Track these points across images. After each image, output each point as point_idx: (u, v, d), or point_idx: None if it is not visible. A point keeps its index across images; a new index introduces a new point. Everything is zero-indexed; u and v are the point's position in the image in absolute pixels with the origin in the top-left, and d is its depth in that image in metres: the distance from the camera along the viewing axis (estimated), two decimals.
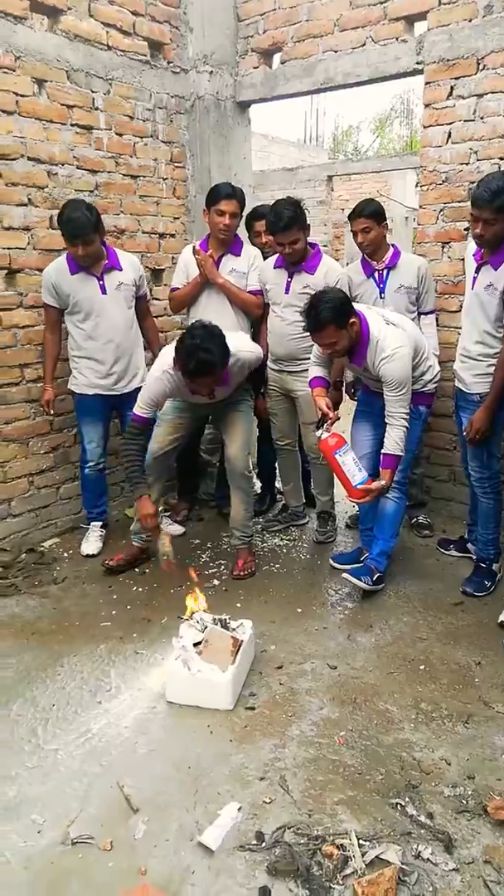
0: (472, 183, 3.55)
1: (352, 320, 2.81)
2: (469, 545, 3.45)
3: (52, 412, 3.48)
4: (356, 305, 2.97)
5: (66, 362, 3.51)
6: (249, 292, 3.52)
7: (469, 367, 3.05)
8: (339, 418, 3.11)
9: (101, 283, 3.32)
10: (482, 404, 2.97)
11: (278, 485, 4.20)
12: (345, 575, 3.13)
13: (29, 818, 1.92)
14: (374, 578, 3.12)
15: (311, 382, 3.17)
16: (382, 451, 2.94)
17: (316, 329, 2.80)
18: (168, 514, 4.09)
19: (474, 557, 3.33)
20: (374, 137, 21.52)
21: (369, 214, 3.41)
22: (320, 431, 3.00)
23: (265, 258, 3.65)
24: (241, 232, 3.67)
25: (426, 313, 3.55)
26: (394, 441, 2.90)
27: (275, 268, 3.47)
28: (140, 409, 3.06)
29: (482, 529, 3.20)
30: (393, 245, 3.56)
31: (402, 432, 2.88)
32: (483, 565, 3.22)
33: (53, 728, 2.29)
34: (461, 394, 3.16)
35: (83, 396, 3.46)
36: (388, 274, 3.48)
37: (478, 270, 2.95)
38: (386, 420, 2.92)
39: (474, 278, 2.98)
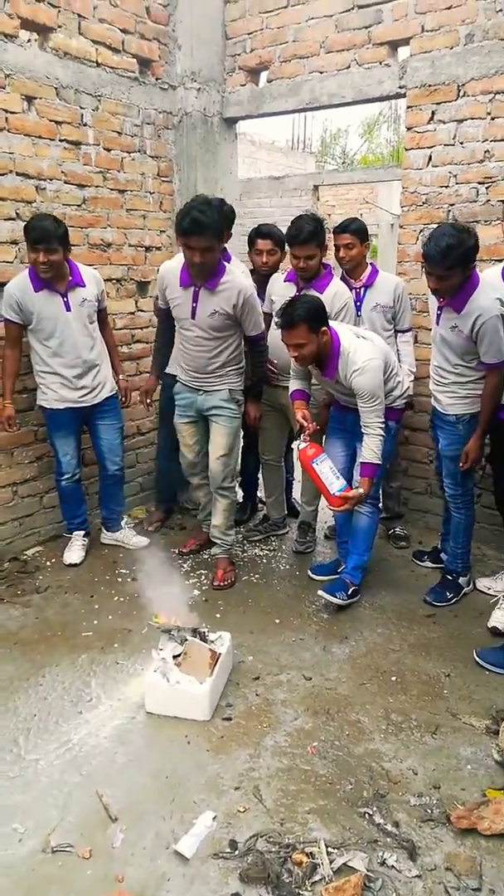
0: (452, 206, 3.67)
1: (324, 328, 2.88)
2: (442, 555, 3.54)
3: (12, 429, 3.44)
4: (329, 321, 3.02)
5: (30, 377, 3.51)
6: (256, 337, 3.35)
7: (443, 391, 3.14)
8: (318, 429, 3.19)
9: (65, 300, 3.32)
10: (472, 434, 3.04)
11: (260, 494, 4.28)
12: (320, 592, 3.21)
13: (10, 826, 1.99)
14: (350, 592, 3.21)
15: (291, 395, 3.26)
16: (360, 459, 3.04)
17: (289, 325, 2.85)
18: (140, 522, 4.16)
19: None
20: (363, 142, 21.68)
21: (354, 231, 3.51)
22: (298, 441, 3.09)
23: (262, 278, 3.70)
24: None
25: (403, 331, 3.66)
26: (371, 450, 2.98)
27: (285, 281, 3.50)
28: (158, 302, 3.39)
29: (453, 543, 3.30)
30: (371, 264, 3.67)
31: (379, 440, 2.97)
32: (450, 577, 3.32)
33: (35, 738, 2.35)
34: (437, 413, 3.25)
35: (54, 411, 3.48)
36: (364, 292, 3.58)
37: (440, 309, 3.00)
38: (362, 430, 3.00)
39: (438, 315, 3.04)
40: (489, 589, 3.37)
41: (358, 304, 3.56)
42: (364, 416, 2.98)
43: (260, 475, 4.13)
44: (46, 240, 3.11)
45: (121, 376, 3.76)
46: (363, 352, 2.93)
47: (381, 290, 3.56)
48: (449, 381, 3.11)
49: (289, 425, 3.73)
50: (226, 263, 3.21)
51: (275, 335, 3.49)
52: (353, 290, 3.58)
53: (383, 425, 2.99)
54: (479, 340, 2.88)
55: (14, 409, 3.43)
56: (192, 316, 3.18)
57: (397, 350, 3.62)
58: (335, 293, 3.36)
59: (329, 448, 3.34)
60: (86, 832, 1.97)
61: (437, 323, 3.07)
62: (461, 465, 3.10)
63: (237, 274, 3.20)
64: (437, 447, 3.36)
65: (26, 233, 3.15)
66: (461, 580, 3.31)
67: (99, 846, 1.93)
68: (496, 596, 3.23)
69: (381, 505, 3.36)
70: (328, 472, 3.04)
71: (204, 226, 2.89)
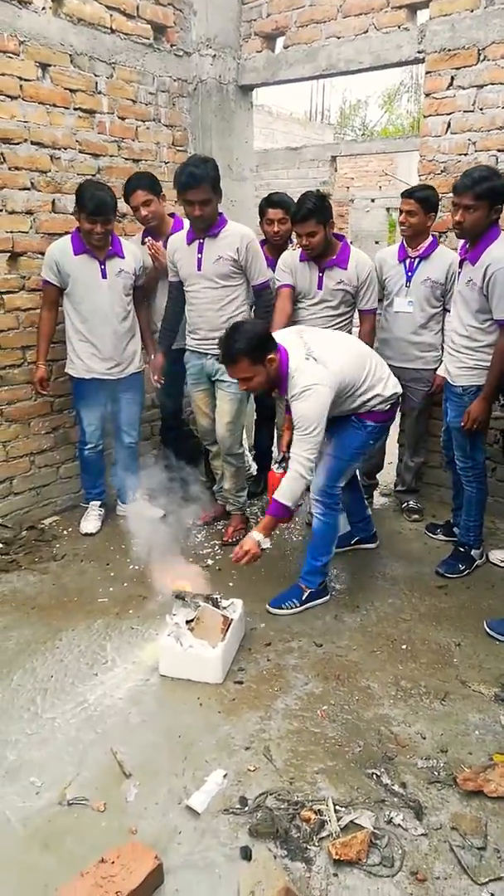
0: None
1: (270, 356, 2.65)
2: (455, 529, 3.54)
3: (44, 391, 3.54)
4: (283, 336, 2.84)
5: (63, 346, 3.58)
6: (259, 286, 3.40)
7: (454, 359, 3.12)
8: None
9: (102, 267, 3.38)
10: (479, 395, 3.01)
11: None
12: (267, 607, 3.00)
13: (28, 780, 2.05)
14: (304, 597, 3.01)
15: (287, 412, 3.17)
16: (273, 494, 2.75)
17: (228, 362, 2.69)
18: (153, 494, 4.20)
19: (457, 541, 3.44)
20: (383, 113, 21.28)
21: (418, 198, 3.45)
22: (276, 466, 3.03)
23: (276, 249, 3.69)
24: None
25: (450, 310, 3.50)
26: (283, 487, 2.69)
27: (301, 261, 3.40)
28: (170, 276, 3.47)
29: (465, 516, 3.30)
30: (433, 236, 3.61)
31: (297, 478, 2.68)
32: (461, 549, 3.33)
33: (52, 698, 2.42)
34: (447, 384, 3.23)
35: (81, 381, 3.54)
36: (418, 264, 3.55)
37: (461, 265, 3.01)
38: (290, 457, 2.75)
39: (459, 272, 3.05)
40: (502, 562, 3.37)
41: (409, 274, 3.54)
42: (294, 445, 2.70)
43: (274, 448, 4.14)
44: (105, 212, 3.21)
45: (152, 356, 3.77)
46: (307, 377, 2.66)
47: (434, 265, 3.52)
48: (459, 345, 3.07)
49: None
50: (226, 217, 3.34)
51: (303, 318, 3.47)
52: (408, 260, 3.57)
53: (310, 461, 2.67)
54: (491, 294, 2.85)
55: (47, 370, 3.50)
56: (199, 267, 3.30)
57: (441, 329, 3.60)
58: (356, 264, 3.35)
59: None
60: (100, 787, 2.04)
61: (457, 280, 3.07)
62: (463, 424, 3.05)
63: (239, 225, 3.38)
64: (445, 421, 3.35)
65: (82, 202, 3.18)
66: (473, 552, 3.32)
67: (113, 800, 1.99)
68: None
69: (340, 506, 3.09)
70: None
71: (199, 178, 3.07)
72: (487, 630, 2.81)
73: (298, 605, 3.00)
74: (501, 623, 2.81)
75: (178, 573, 2.91)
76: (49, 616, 2.94)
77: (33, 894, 1.72)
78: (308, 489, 3.01)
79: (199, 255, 3.29)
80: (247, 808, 1.96)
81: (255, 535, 2.73)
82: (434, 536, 3.68)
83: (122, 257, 3.45)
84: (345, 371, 2.77)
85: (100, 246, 3.33)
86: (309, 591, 3.03)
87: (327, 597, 3.09)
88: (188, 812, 1.95)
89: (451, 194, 3.62)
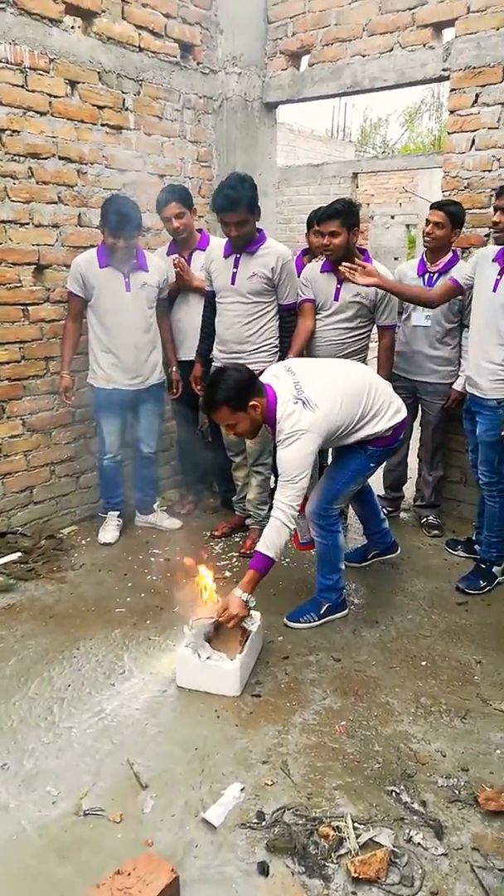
0: (494, 190, 3.60)
1: (253, 402, 2.56)
2: (476, 546, 3.49)
3: (69, 400, 3.58)
4: (273, 374, 2.75)
5: (86, 357, 3.61)
6: (288, 306, 3.42)
7: (489, 373, 3.04)
8: None
9: (126, 280, 3.42)
10: None
11: None
12: (285, 621, 2.97)
13: (44, 790, 2.05)
14: (322, 611, 2.98)
15: None
16: (256, 546, 2.63)
17: (209, 409, 2.65)
18: (173, 505, 4.20)
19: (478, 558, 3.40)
20: (403, 131, 21.40)
21: (447, 212, 3.47)
22: None
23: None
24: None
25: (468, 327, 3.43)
26: (266, 538, 2.56)
27: (322, 272, 3.43)
28: (206, 286, 3.53)
29: (487, 532, 3.26)
30: (454, 252, 3.61)
31: (279, 528, 2.55)
32: (483, 566, 3.29)
33: (69, 707, 2.42)
34: (476, 399, 3.17)
35: (102, 390, 3.57)
36: (437, 278, 3.55)
37: (501, 273, 2.94)
38: (272, 505, 2.64)
39: (497, 281, 2.96)
40: None
41: (428, 288, 3.51)
42: (277, 491, 2.59)
43: None
44: (128, 227, 3.26)
45: (173, 368, 3.80)
46: (293, 421, 2.55)
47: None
48: (497, 359, 2.98)
49: None
50: (265, 233, 3.39)
51: (317, 329, 3.50)
52: (427, 274, 3.58)
53: (294, 510, 2.57)
54: None
55: (72, 379, 3.54)
56: (233, 282, 3.34)
57: (458, 344, 3.61)
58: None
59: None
60: (117, 798, 2.02)
61: (494, 289, 2.97)
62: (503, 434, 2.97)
63: (277, 244, 3.39)
64: (472, 438, 3.30)
65: (106, 217, 3.24)
66: (495, 569, 3.28)
67: (129, 811, 1.97)
68: None
69: (338, 525, 2.98)
70: (303, 524, 3.03)
71: (235, 201, 3.09)
72: None
73: (317, 618, 2.98)
74: None
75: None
76: (67, 625, 2.95)
77: None
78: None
79: (235, 270, 3.33)
80: (264, 823, 1.93)
81: (240, 593, 2.56)
82: (454, 553, 3.64)
83: (147, 271, 3.49)
84: (336, 412, 2.64)
85: (124, 259, 3.37)
86: (327, 605, 3.01)
87: (346, 611, 3.06)
88: (205, 825, 1.93)
89: (474, 210, 3.68)
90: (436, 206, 3.54)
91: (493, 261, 3.02)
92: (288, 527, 2.56)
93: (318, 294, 3.45)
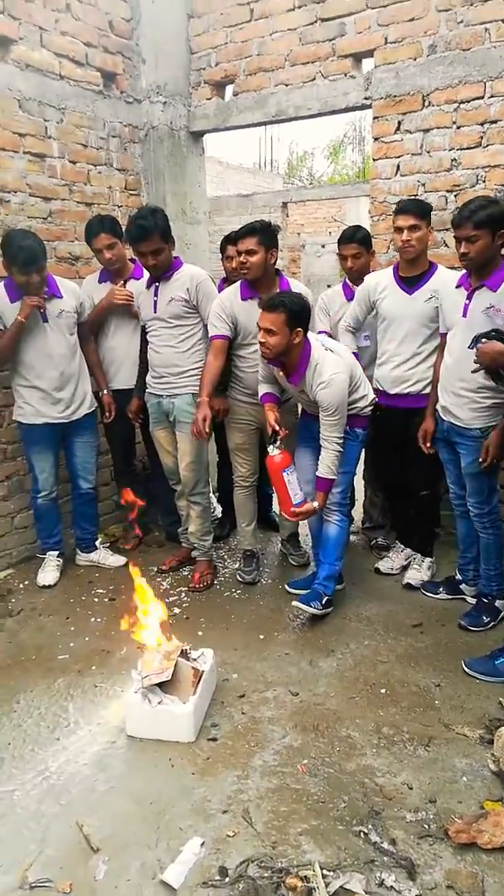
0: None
1: (299, 329, 2.84)
2: (463, 586, 3.32)
3: None
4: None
5: (10, 391, 3.45)
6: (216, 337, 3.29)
7: (464, 401, 2.91)
8: (287, 434, 3.09)
9: (41, 311, 3.27)
10: (495, 429, 2.84)
11: None
12: (294, 602, 3.12)
13: None
14: (323, 602, 3.14)
15: (261, 398, 3.19)
16: (317, 473, 3.00)
17: (269, 308, 2.82)
18: (116, 541, 4.05)
19: (470, 597, 3.26)
20: (329, 163, 22.01)
21: (360, 240, 3.54)
22: (271, 448, 3.03)
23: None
24: None
25: None
26: (326, 465, 2.96)
27: (242, 299, 3.27)
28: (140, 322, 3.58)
29: (485, 565, 3.11)
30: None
31: (335, 456, 2.95)
32: (485, 600, 3.12)
33: (9, 767, 2.23)
34: (456, 429, 2.99)
35: (32, 427, 3.41)
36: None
37: (470, 297, 2.87)
38: (321, 443, 2.97)
39: (465, 306, 2.88)
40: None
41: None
42: (324, 430, 2.95)
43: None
44: (38, 261, 3.13)
45: (104, 391, 3.68)
46: (330, 365, 2.90)
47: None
48: (472, 387, 2.86)
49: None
50: (182, 260, 3.42)
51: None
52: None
53: (342, 440, 2.96)
54: None
55: None
56: (154, 309, 3.37)
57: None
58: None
59: (299, 458, 3.25)
60: (66, 865, 1.85)
61: (465, 314, 2.87)
62: (481, 461, 2.86)
63: (193, 267, 3.44)
64: (449, 468, 3.15)
65: (10, 254, 3.07)
66: (498, 603, 3.10)
67: (80, 879, 1.81)
68: None
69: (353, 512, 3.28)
70: (295, 483, 3.04)
71: (148, 230, 3.13)
72: (466, 669, 2.72)
73: (321, 607, 3.12)
74: (480, 662, 2.73)
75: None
76: (5, 677, 2.75)
77: None
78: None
79: (155, 298, 3.36)
80: (227, 879, 1.80)
81: (315, 503, 2.98)
82: (434, 597, 3.34)
83: (61, 297, 3.36)
84: (350, 363, 3.05)
85: (36, 291, 3.20)
86: (326, 597, 3.15)
87: (331, 608, 3.20)
88: (163, 887, 1.78)
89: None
90: (345, 241, 3.56)
91: (458, 286, 2.95)
92: (341, 451, 2.97)
93: (242, 322, 3.28)
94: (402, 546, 3.69)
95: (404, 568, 3.62)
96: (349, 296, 3.63)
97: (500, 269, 2.80)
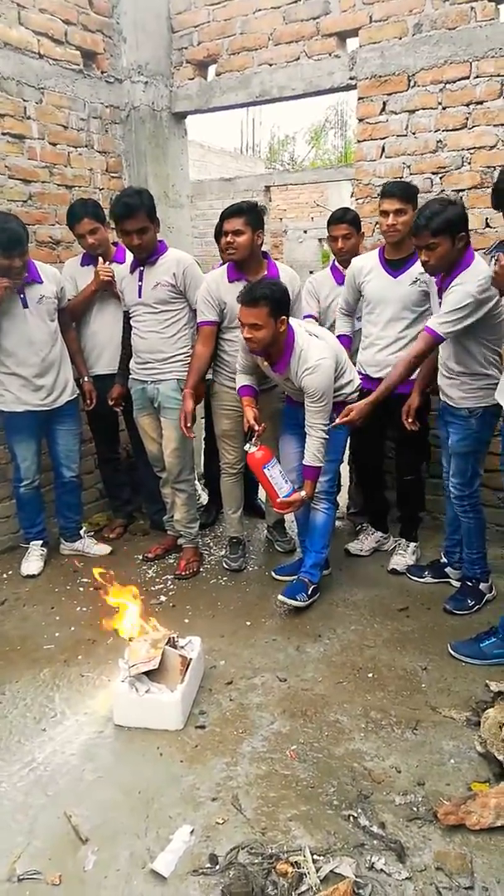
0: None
1: (283, 317, 2.80)
2: (448, 569, 3.34)
3: None
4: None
5: None
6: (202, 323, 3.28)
7: (456, 383, 2.94)
8: (264, 430, 3.07)
9: (21, 296, 3.22)
10: (486, 428, 2.93)
11: None
12: (280, 597, 3.09)
13: None
14: (310, 591, 3.13)
15: (239, 391, 3.15)
16: (303, 461, 2.98)
17: (249, 302, 2.75)
18: (101, 529, 4.02)
19: (454, 580, 3.29)
20: (310, 148, 21.86)
21: (350, 221, 3.52)
22: (248, 445, 3.00)
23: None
24: None
25: None
26: (312, 452, 2.93)
27: (230, 280, 3.26)
28: (123, 308, 3.51)
29: (467, 549, 3.13)
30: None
31: (321, 443, 2.92)
32: (470, 584, 3.14)
33: None
34: (448, 408, 3.03)
35: (13, 414, 3.36)
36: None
37: (440, 294, 2.86)
38: (306, 430, 2.94)
39: (440, 302, 2.86)
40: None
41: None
42: (309, 416, 2.91)
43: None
44: (21, 244, 3.05)
45: (85, 378, 3.63)
46: (316, 351, 2.86)
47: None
48: (456, 371, 2.91)
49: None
50: (167, 244, 3.36)
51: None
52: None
53: (327, 426, 2.93)
54: (444, 300, 2.74)
55: None
56: (139, 294, 3.30)
57: None
58: (290, 279, 3.26)
59: (283, 445, 3.25)
60: (54, 857, 1.84)
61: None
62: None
63: (178, 251, 3.38)
64: (444, 447, 3.16)
65: None
66: (482, 586, 3.12)
67: (69, 871, 1.79)
68: None
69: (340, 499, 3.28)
70: (278, 476, 3.01)
71: (134, 207, 3.07)
72: (452, 653, 2.74)
73: (307, 598, 3.10)
74: (465, 644, 2.75)
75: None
76: None
77: None
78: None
79: (140, 283, 3.29)
80: (218, 867, 1.79)
81: (304, 493, 2.97)
82: (420, 580, 3.37)
83: (41, 282, 3.30)
84: (336, 349, 3.02)
85: (18, 276, 3.15)
86: (313, 586, 3.14)
87: (318, 595, 3.20)
88: (154, 876, 1.77)
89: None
90: (335, 221, 3.55)
91: (434, 282, 2.95)
92: (326, 438, 2.93)
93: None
94: (373, 529, 3.72)
95: (375, 550, 3.67)
96: (339, 279, 3.61)
97: (456, 272, 2.74)
